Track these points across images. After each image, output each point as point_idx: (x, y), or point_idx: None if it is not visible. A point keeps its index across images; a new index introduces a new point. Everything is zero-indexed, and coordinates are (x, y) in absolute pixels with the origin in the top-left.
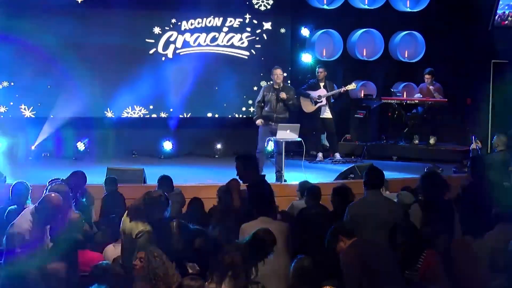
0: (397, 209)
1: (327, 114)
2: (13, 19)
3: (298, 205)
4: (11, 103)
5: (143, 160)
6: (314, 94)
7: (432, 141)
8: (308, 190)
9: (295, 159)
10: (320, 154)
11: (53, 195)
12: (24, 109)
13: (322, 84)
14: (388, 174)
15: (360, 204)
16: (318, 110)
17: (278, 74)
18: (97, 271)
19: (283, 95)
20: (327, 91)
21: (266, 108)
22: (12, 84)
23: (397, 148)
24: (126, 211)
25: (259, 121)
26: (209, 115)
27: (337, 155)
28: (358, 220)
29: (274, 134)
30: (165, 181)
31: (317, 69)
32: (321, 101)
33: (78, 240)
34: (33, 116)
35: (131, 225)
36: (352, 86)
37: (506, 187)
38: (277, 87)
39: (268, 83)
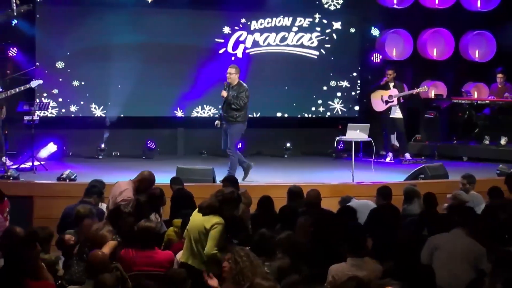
0: (478, 252)
1: (397, 114)
2: (84, 19)
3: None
4: (82, 103)
5: (212, 159)
6: (385, 94)
7: (503, 141)
8: (378, 190)
9: (364, 159)
10: (390, 154)
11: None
12: (95, 108)
13: (391, 84)
14: (458, 175)
15: (442, 237)
16: (389, 109)
17: (227, 72)
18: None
19: (223, 93)
20: (398, 91)
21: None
22: (83, 83)
23: (467, 148)
24: (196, 209)
25: (215, 123)
26: (279, 114)
27: (407, 155)
28: (435, 251)
29: (226, 133)
30: (230, 181)
31: (386, 70)
32: (392, 101)
33: None
34: (103, 115)
35: (203, 219)
36: (423, 89)
37: None
38: (229, 86)
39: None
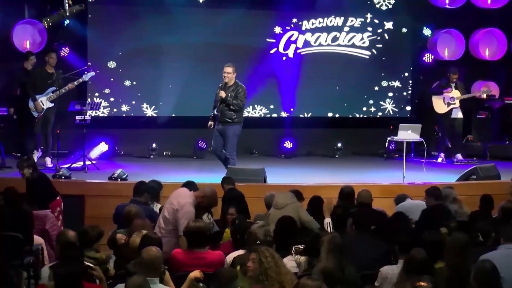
0: None
1: (459, 114)
2: (136, 19)
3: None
4: (133, 102)
5: (263, 159)
6: (447, 95)
7: None
8: (428, 191)
9: (416, 159)
10: (441, 155)
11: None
12: (146, 108)
13: (453, 85)
14: (510, 176)
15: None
16: (450, 110)
17: (225, 72)
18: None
19: (221, 94)
20: (460, 92)
21: (216, 109)
22: (135, 83)
23: None
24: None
25: (208, 124)
26: (330, 114)
27: (459, 156)
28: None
29: (222, 134)
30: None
31: (450, 74)
32: (454, 103)
33: None
34: (154, 115)
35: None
36: (487, 91)
37: None
38: (224, 85)
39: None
